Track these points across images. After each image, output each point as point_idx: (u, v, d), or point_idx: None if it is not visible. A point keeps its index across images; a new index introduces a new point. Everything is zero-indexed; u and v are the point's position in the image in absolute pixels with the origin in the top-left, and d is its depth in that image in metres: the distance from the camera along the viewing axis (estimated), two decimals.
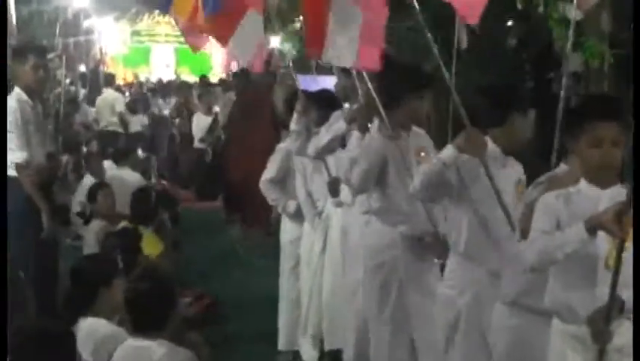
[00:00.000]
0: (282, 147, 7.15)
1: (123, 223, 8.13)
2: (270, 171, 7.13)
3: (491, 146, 4.63)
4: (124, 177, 10.03)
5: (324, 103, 6.38)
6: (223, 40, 6.71)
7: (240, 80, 13.06)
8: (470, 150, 4.51)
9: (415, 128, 5.48)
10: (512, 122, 4.64)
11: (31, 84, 6.78)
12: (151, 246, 7.82)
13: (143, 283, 4.46)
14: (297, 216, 6.86)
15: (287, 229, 7.06)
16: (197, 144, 14.98)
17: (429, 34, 4.67)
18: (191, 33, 7.29)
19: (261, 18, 6.48)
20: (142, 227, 7.95)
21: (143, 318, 4.37)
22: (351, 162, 5.38)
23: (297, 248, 6.91)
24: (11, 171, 6.63)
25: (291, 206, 6.89)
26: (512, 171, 4.71)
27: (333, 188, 6.29)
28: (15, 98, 6.68)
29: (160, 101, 19.64)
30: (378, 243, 5.43)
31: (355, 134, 5.50)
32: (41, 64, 6.86)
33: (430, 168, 4.68)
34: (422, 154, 5.30)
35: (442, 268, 5.12)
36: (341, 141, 5.80)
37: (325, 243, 6.51)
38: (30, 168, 6.66)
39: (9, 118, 6.56)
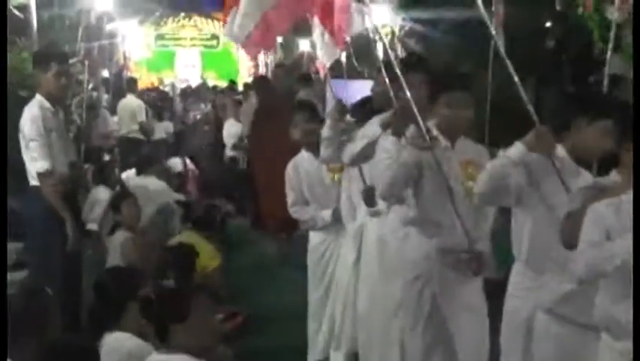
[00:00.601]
0: (288, 168, 7.05)
1: (186, 234, 8.22)
2: (289, 195, 7.05)
3: (561, 151, 4.51)
4: (148, 186, 9.89)
5: (366, 109, 6.22)
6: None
7: (260, 86, 12.94)
8: (539, 147, 4.44)
9: (464, 138, 5.29)
10: (578, 129, 4.47)
11: (53, 91, 6.68)
12: (209, 258, 7.98)
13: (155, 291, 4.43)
14: (331, 224, 6.76)
15: (314, 234, 6.98)
16: (229, 152, 14.74)
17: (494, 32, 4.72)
18: None
19: None
20: (200, 239, 8.15)
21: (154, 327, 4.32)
22: (386, 168, 5.22)
23: (323, 249, 6.85)
24: (34, 181, 6.54)
25: (327, 216, 6.78)
26: (584, 181, 4.48)
27: (369, 197, 6.11)
28: (37, 105, 6.59)
29: (189, 106, 19.51)
30: (415, 255, 5.29)
31: (390, 138, 5.35)
32: (63, 71, 6.75)
33: (497, 164, 4.56)
34: (469, 170, 5.12)
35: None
36: (375, 147, 5.65)
37: (359, 253, 6.32)
38: (53, 177, 6.54)
39: (31, 126, 6.50)
